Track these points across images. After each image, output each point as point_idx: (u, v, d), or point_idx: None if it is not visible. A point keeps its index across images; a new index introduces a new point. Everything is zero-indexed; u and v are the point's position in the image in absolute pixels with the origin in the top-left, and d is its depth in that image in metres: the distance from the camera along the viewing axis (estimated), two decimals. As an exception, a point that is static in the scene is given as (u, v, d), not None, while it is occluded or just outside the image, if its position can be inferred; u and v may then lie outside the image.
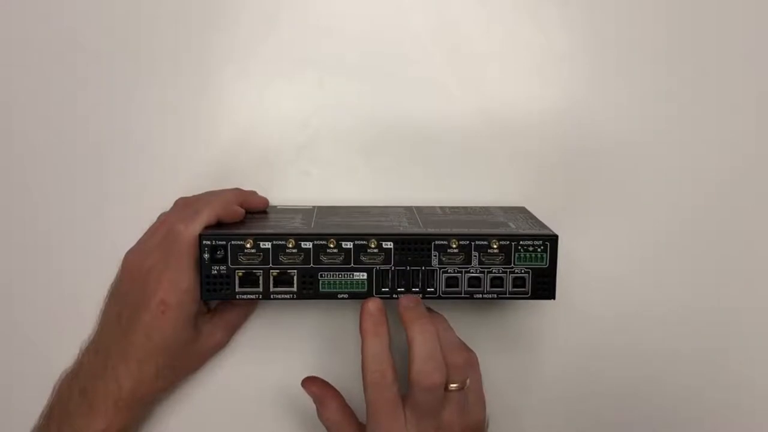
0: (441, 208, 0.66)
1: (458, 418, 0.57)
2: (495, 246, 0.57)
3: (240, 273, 0.57)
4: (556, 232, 0.58)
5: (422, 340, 0.55)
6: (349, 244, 0.57)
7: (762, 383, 0.69)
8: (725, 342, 0.68)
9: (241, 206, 0.62)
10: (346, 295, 0.58)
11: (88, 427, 0.58)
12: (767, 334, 0.69)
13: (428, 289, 0.58)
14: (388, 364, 0.56)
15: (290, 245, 0.57)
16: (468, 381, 0.58)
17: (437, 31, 0.66)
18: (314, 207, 0.66)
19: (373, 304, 0.57)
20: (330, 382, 0.62)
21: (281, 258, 0.57)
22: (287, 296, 0.58)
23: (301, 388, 0.63)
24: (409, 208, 0.65)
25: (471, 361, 0.59)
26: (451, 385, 0.57)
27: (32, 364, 0.67)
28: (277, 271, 0.57)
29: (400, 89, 0.67)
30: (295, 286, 0.58)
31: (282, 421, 0.68)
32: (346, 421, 0.60)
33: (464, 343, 0.60)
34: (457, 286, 0.58)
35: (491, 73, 0.67)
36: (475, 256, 0.57)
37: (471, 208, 0.66)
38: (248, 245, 0.57)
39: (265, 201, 0.66)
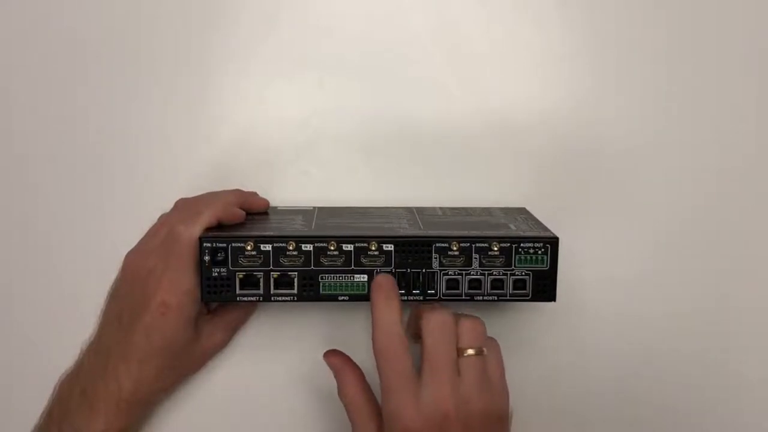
0: (441, 209, 0.66)
1: (477, 392, 0.54)
2: (495, 248, 0.57)
3: (240, 275, 0.57)
4: (557, 233, 0.58)
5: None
6: (349, 247, 0.57)
7: (762, 383, 0.69)
8: (726, 342, 0.69)
9: (242, 207, 0.62)
10: (346, 297, 0.58)
11: (89, 427, 0.58)
12: (767, 334, 0.69)
13: (429, 291, 0.58)
14: (399, 334, 0.54)
15: (291, 247, 0.57)
16: (485, 350, 0.56)
17: (437, 31, 0.66)
18: (314, 208, 0.66)
19: (383, 278, 0.57)
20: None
21: (282, 260, 0.57)
22: (288, 298, 0.58)
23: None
24: (409, 209, 0.65)
25: (490, 339, 0.57)
26: (468, 351, 0.55)
27: (32, 364, 0.67)
28: (278, 273, 0.57)
29: (400, 89, 0.67)
30: (295, 288, 0.58)
31: (282, 421, 0.68)
32: (364, 399, 0.58)
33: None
34: (458, 288, 0.58)
35: (491, 73, 0.67)
36: (476, 258, 0.57)
37: (471, 209, 0.66)
38: (249, 247, 0.57)
39: (266, 202, 0.65)
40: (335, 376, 0.60)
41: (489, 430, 0.54)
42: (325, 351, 0.61)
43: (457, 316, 0.56)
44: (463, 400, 0.53)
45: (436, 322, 0.54)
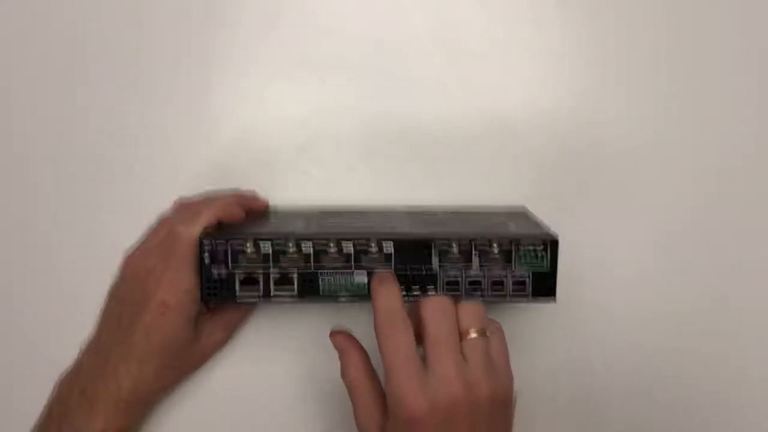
0: (441, 208, 0.66)
1: (484, 375, 0.53)
2: (495, 248, 0.57)
3: (240, 275, 0.57)
4: (557, 233, 0.58)
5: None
6: (349, 246, 0.57)
7: (762, 383, 0.69)
8: (726, 342, 0.68)
9: (242, 208, 0.62)
10: (346, 297, 0.58)
11: (88, 427, 0.58)
12: (767, 334, 0.69)
13: (429, 291, 0.58)
14: (399, 312, 0.54)
15: (290, 247, 0.57)
16: (488, 332, 0.55)
17: (437, 31, 0.66)
18: (314, 208, 0.65)
19: (382, 272, 0.57)
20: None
21: (282, 260, 0.57)
22: (288, 298, 0.58)
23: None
24: (409, 209, 0.65)
25: (493, 322, 0.56)
26: (471, 333, 0.54)
27: (32, 364, 0.67)
28: (278, 273, 0.57)
29: (401, 89, 0.67)
30: (295, 288, 0.57)
31: (282, 421, 0.68)
32: (368, 381, 0.57)
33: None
34: (458, 288, 0.58)
35: (491, 73, 0.67)
36: (476, 258, 0.57)
37: (471, 208, 0.66)
38: (248, 247, 0.57)
39: (266, 202, 0.66)
40: (339, 357, 0.59)
41: (495, 415, 0.53)
42: (330, 331, 0.61)
43: (456, 301, 0.55)
44: (471, 385, 0.52)
45: (435, 306, 0.54)
